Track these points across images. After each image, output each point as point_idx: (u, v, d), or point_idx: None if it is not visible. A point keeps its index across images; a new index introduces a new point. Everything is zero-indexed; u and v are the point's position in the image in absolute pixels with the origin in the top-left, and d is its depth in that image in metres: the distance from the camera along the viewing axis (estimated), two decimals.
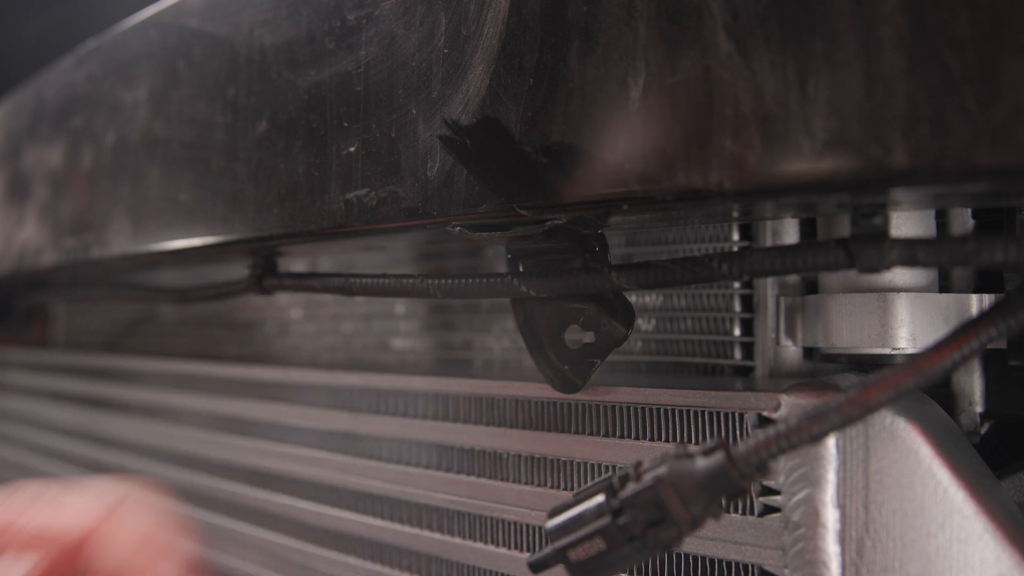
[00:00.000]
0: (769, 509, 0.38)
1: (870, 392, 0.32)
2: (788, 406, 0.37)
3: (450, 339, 0.61)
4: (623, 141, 0.34)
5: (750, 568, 0.39)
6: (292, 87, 0.47)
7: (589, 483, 0.36)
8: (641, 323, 0.51)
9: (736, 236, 0.47)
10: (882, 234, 0.32)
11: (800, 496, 0.37)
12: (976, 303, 0.41)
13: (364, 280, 0.48)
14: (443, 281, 0.44)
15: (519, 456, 0.48)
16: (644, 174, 0.34)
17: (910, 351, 0.40)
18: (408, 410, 0.54)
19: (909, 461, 0.36)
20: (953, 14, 0.27)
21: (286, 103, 0.48)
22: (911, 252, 0.32)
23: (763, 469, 0.33)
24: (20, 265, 0.75)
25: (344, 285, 0.49)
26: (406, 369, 0.63)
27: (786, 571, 0.37)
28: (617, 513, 0.34)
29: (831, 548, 0.36)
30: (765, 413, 0.38)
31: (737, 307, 0.47)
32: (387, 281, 0.47)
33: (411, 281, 0.46)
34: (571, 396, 0.45)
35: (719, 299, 0.48)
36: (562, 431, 0.46)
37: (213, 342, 0.83)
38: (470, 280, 0.44)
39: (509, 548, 0.48)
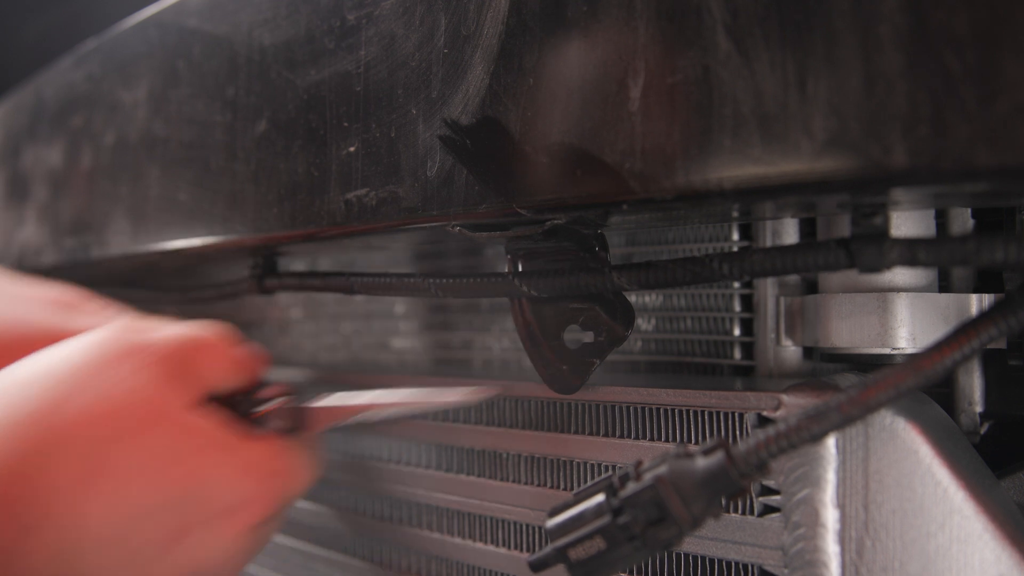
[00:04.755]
0: (769, 509, 0.38)
1: (870, 392, 0.32)
2: (788, 406, 0.37)
3: (450, 339, 0.61)
4: (623, 141, 0.34)
5: (750, 568, 0.39)
6: (292, 87, 0.47)
7: (589, 483, 0.36)
8: (641, 323, 0.51)
9: (736, 236, 0.47)
10: (882, 234, 0.32)
11: (800, 496, 0.37)
12: (976, 303, 0.41)
13: (365, 279, 0.48)
14: (443, 280, 0.44)
15: (519, 456, 0.48)
16: (644, 174, 0.34)
17: (910, 351, 0.40)
18: None
19: (909, 461, 0.36)
20: (953, 14, 0.27)
21: (286, 103, 0.48)
22: (911, 252, 0.32)
23: (763, 469, 0.33)
24: (20, 265, 0.75)
25: (345, 284, 0.49)
26: (406, 369, 0.63)
27: (786, 571, 0.37)
28: (617, 512, 0.34)
29: (831, 548, 0.36)
30: (765, 413, 0.38)
31: (737, 307, 0.47)
32: (388, 280, 0.47)
33: (412, 280, 0.46)
34: (571, 396, 0.45)
35: (719, 299, 0.48)
36: (562, 431, 0.46)
37: None
38: (470, 279, 0.44)
39: (509, 548, 0.48)
